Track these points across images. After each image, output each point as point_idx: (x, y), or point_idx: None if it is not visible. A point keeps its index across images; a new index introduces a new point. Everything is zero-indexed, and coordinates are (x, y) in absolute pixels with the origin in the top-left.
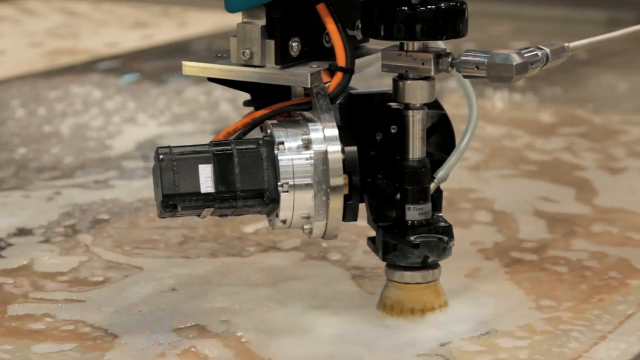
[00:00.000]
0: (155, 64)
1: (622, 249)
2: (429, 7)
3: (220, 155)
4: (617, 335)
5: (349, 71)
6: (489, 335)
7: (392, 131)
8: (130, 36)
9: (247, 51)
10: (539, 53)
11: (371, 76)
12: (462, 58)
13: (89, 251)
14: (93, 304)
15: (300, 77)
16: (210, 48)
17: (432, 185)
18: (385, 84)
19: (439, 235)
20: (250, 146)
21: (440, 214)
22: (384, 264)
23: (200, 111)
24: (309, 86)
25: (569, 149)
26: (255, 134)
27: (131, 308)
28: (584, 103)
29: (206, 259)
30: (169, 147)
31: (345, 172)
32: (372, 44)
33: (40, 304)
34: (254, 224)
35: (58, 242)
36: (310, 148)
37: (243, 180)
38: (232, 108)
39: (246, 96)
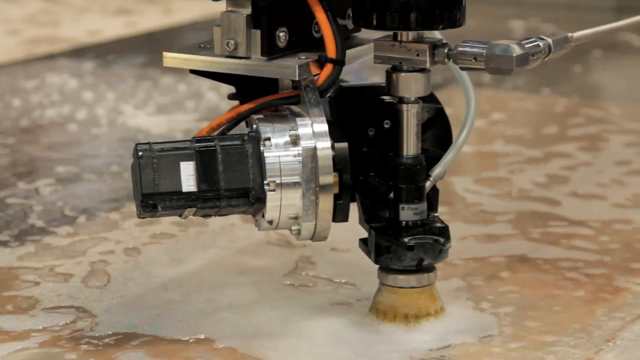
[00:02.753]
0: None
1: (624, 250)
2: None
3: (203, 152)
4: (620, 340)
5: (339, 63)
6: (485, 342)
7: (386, 126)
8: (113, 24)
9: (232, 42)
10: (541, 44)
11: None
12: (459, 49)
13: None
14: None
15: (287, 69)
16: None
17: (428, 184)
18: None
19: (434, 237)
20: (235, 142)
21: (436, 214)
22: (376, 266)
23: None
24: (297, 79)
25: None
26: (241, 129)
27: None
28: None
29: (190, 258)
30: (148, 143)
31: (335, 169)
32: (364, 34)
33: None
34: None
35: None
36: (298, 144)
37: (227, 178)
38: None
39: (231, 89)
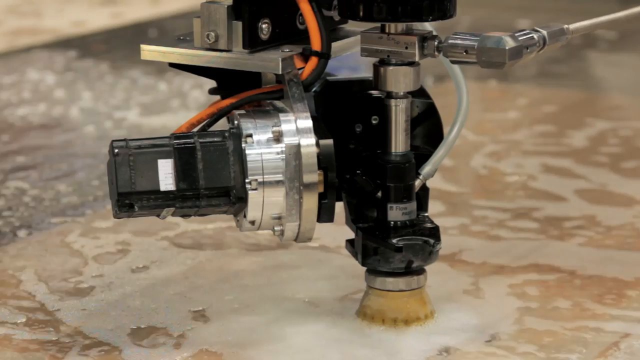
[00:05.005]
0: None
1: (625, 252)
2: None
3: (182, 150)
4: (624, 342)
5: (324, 56)
6: (478, 347)
7: (373, 122)
8: (99, 14)
9: (212, 34)
10: (535, 36)
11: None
12: (450, 41)
13: None
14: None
15: (270, 62)
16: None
17: (417, 182)
18: None
19: (424, 238)
20: (215, 139)
21: (426, 214)
22: (363, 269)
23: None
24: (280, 72)
25: None
26: (222, 125)
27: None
28: None
29: (173, 261)
30: (124, 139)
31: (320, 167)
32: (351, 25)
33: None
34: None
35: None
36: (281, 141)
37: (207, 176)
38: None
39: (212, 83)
